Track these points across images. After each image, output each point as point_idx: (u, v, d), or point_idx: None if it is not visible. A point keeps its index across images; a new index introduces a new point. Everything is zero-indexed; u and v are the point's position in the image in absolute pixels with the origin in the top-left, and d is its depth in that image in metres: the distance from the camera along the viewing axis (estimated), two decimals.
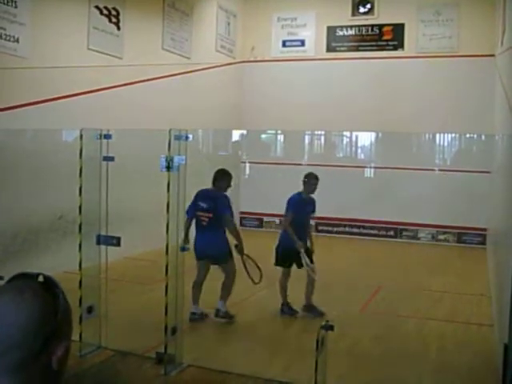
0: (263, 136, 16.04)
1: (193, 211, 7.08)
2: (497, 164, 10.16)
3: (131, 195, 9.97)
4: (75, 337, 5.63)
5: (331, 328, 4.38)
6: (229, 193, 7.29)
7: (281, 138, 15.90)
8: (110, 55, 10.42)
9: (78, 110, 9.41)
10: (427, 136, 14.35)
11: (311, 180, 7.53)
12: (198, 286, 7.13)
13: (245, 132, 15.43)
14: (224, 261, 7.06)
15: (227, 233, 7.12)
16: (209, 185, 7.17)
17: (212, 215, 6.96)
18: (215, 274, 7.22)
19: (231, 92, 14.83)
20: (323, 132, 15.19)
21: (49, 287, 1.32)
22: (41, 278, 1.33)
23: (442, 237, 13.80)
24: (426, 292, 9.08)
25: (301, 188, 7.57)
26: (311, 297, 7.52)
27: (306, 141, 15.56)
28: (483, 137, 13.65)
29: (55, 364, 1.29)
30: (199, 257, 7.06)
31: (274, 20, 15.28)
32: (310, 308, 7.50)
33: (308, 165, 14.86)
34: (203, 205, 7.03)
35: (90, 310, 5.90)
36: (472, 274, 10.50)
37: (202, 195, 7.13)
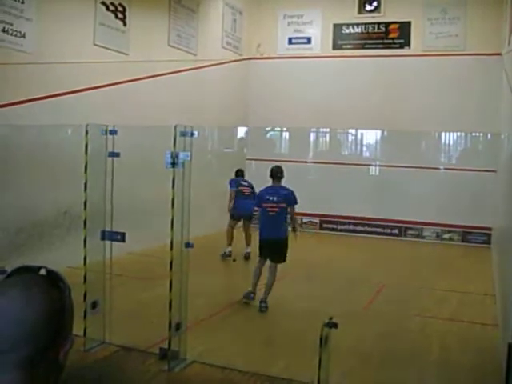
0: (269, 133, 16.04)
1: None
2: (502, 163, 10.14)
3: (136, 191, 10.00)
4: (79, 332, 5.65)
5: (335, 325, 4.38)
6: None
7: (286, 135, 15.88)
8: (116, 51, 10.42)
9: (84, 105, 9.42)
10: (433, 134, 14.31)
11: None
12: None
13: (246, 129, 15.42)
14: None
15: None
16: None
17: None
18: None
19: (237, 89, 14.83)
20: (328, 129, 15.18)
21: (53, 281, 1.32)
22: (43, 271, 1.33)
23: (446, 236, 13.77)
24: (430, 291, 9.07)
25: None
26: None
27: (312, 138, 15.54)
28: (489, 135, 13.61)
29: (62, 358, 1.30)
30: None
31: (280, 17, 15.28)
32: None
33: (313, 162, 14.90)
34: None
35: (94, 305, 5.91)
36: (476, 273, 10.47)
37: None
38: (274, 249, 7.68)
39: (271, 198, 7.64)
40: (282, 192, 7.70)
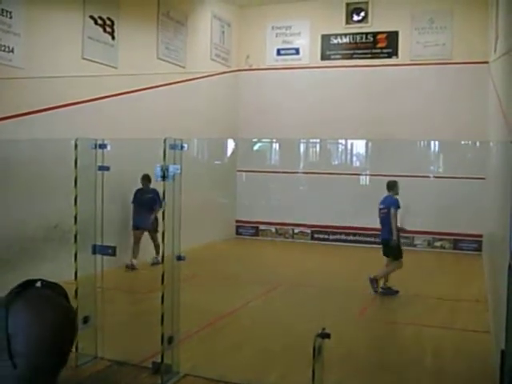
0: (259, 144, 16.06)
1: None
2: (491, 170, 10.20)
3: (127, 204, 9.98)
4: None
5: (328, 336, 4.37)
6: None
7: (276, 146, 15.91)
8: (104, 65, 10.42)
9: (73, 119, 9.41)
10: (422, 143, 14.39)
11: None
12: None
13: (236, 140, 15.43)
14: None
15: None
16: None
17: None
18: None
19: (226, 100, 14.85)
20: (318, 140, 15.22)
21: (64, 295, 1.36)
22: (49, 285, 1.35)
23: (437, 243, 13.82)
24: (423, 298, 9.08)
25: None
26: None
27: (302, 149, 15.57)
28: (477, 143, 13.70)
29: None
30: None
31: (268, 28, 15.35)
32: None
33: (303, 173, 14.92)
34: None
35: (85, 320, 5.87)
36: (468, 280, 10.51)
37: None
38: (384, 246, 9.36)
39: (380, 206, 9.38)
40: (387, 200, 9.32)
